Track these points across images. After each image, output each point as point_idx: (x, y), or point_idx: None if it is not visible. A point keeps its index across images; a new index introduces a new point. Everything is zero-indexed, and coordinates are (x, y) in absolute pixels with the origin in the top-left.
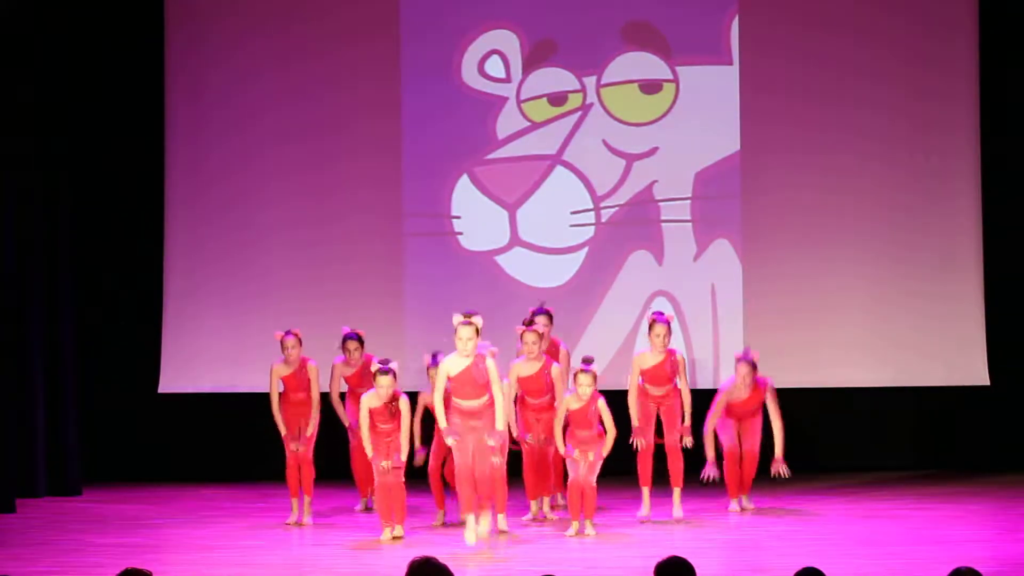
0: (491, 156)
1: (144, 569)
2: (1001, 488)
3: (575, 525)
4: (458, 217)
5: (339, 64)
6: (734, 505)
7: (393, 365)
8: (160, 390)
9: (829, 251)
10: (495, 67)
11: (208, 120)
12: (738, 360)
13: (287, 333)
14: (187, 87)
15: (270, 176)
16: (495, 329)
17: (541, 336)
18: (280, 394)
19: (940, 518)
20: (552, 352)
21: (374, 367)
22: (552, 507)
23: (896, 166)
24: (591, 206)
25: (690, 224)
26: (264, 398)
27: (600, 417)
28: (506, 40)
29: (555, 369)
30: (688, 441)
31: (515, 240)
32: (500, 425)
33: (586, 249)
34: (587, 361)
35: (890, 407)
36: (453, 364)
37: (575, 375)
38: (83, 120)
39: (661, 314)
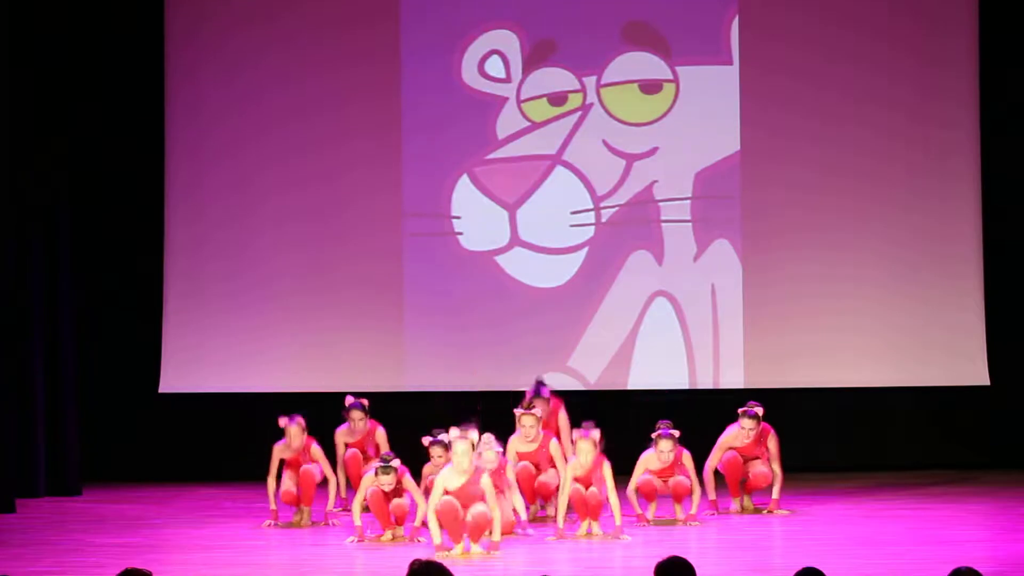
0: (491, 156)
1: (144, 569)
2: (1001, 488)
3: (584, 524)
4: (458, 217)
5: (339, 64)
6: (735, 505)
7: (395, 463)
8: (160, 390)
9: (829, 251)
10: (495, 67)
11: (208, 121)
12: (741, 414)
13: (291, 419)
14: (187, 88)
15: (270, 177)
16: (495, 329)
17: (539, 420)
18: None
19: (940, 518)
20: (553, 415)
21: (375, 465)
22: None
23: (896, 166)
24: (591, 206)
25: (690, 224)
26: (264, 398)
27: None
28: (506, 40)
29: (553, 446)
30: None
31: (515, 240)
32: (496, 537)
33: (586, 249)
34: (587, 427)
35: (890, 407)
36: (451, 479)
37: (575, 442)
38: (83, 120)
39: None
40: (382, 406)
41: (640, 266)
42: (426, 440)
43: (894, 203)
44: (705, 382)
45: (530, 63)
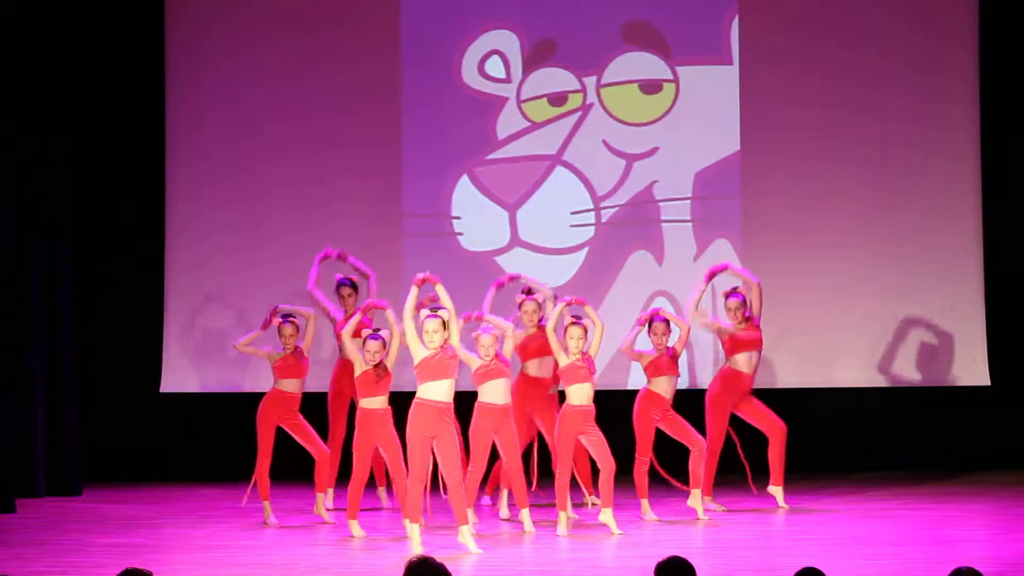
0: (491, 156)
1: (144, 569)
2: (1001, 488)
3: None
4: (458, 217)
5: (339, 64)
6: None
7: (384, 333)
8: (160, 390)
9: (829, 251)
10: (495, 67)
11: (208, 118)
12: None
13: (284, 320)
14: (187, 87)
15: (270, 177)
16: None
17: (539, 306)
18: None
19: (940, 518)
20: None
21: (365, 332)
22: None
23: (896, 166)
24: (591, 206)
25: (690, 224)
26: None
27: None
28: (506, 40)
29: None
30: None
31: (515, 240)
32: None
33: (586, 249)
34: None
35: (890, 407)
36: (421, 351)
37: (567, 327)
38: (83, 119)
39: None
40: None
41: (640, 266)
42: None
43: (894, 202)
44: (705, 382)
45: (530, 63)
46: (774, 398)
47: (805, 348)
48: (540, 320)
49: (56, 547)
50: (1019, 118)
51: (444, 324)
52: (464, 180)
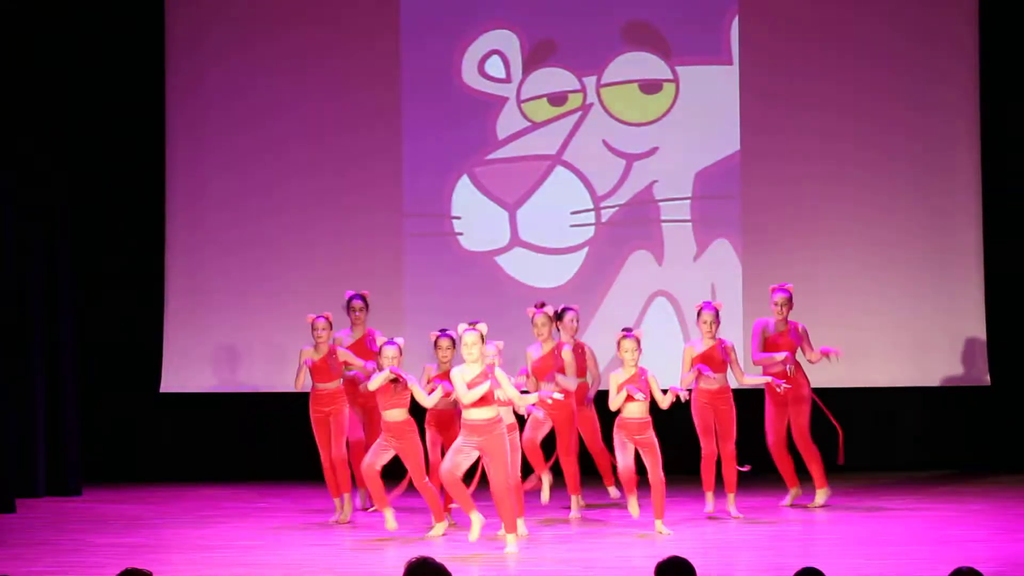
0: (491, 156)
1: (144, 569)
2: (1001, 488)
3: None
4: (458, 217)
5: (339, 64)
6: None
7: (399, 340)
8: (160, 390)
9: (829, 251)
10: (495, 67)
11: (208, 119)
12: (773, 291)
13: (318, 316)
14: (187, 87)
15: (271, 177)
16: (495, 329)
17: (550, 319)
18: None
19: (940, 518)
20: (579, 354)
21: (380, 341)
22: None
23: (896, 165)
24: (591, 206)
25: (690, 224)
26: (264, 398)
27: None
28: (506, 40)
29: (566, 352)
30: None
31: (515, 240)
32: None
33: (586, 249)
34: (628, 329)
35: (890, 407)
36: (467, 372)
37: (619, 341)
38: (83, 120)
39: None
40: None
41: (640, 266)
42: (433, 334)
43: (894, 203)
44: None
45: (530, 63)
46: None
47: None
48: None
49: (56, 547)
50: (1020, 118)
51: (481, 337)
52: (464, 180)
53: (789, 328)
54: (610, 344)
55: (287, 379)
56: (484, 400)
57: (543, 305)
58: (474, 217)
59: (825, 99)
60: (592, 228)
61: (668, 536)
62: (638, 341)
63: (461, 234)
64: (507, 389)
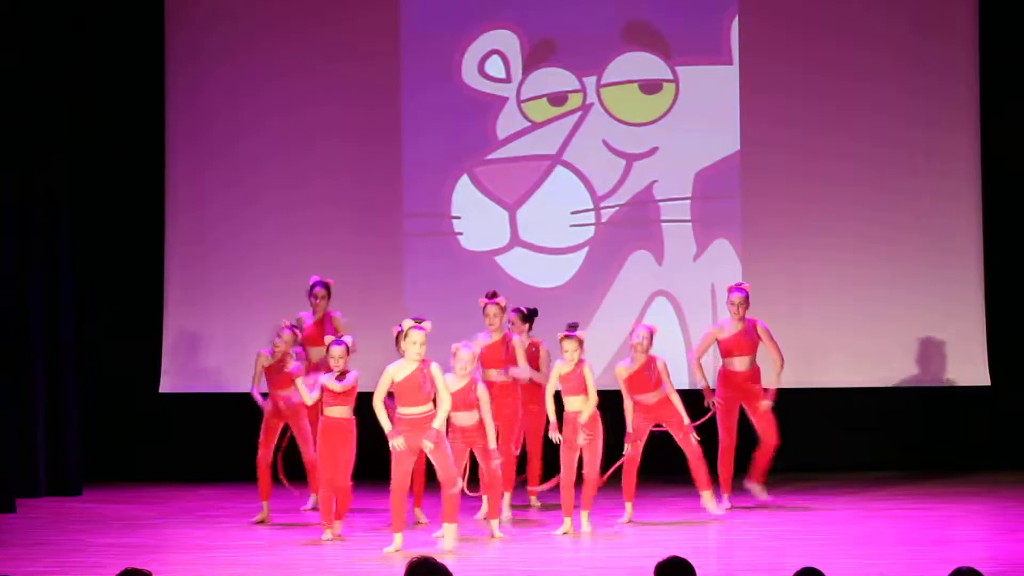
0: (491, 156)
1: (144, 569)
2: (1001, 488)
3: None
4: (458, 217)
5: (339, 63)
6: (725, 501)
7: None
8: (160, 390)
9: (829, 251)
10: (495, 67)
11: (208, 121)
12: (730, 291)
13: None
14: (187, 88)
15: (271, 177)
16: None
17: (502, 309)
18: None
19: (940, 518)
20: (532, 353)
21: (328, 339)
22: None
23: (896, 166)
24: (591, 206)
25: (690, 224)
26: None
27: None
28: (506, 40)
29: (515, 341)
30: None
31: (515, 240)
32: (437, 424)
33: (586, 249)
34: (572, 327)
35: (890, 407)
36: (399, 369)
37: (560, 340)
38: (83, 120)
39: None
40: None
41: (640, 266)
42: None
43: (894, 203)
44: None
45: (530, 63)
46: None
47: (804, 348)
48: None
49: (56, 547)
50: (1020, 117)
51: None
52: (464, 180)
53: (746, 327)
54: (610, 344)
55: None
56: (418, 396)
57: (495, 295)
58: (474, 217)
59: (825, 98)
60: (592, 228)
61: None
62: (579, 342)
63: (461, 234)
64: (441, 391)
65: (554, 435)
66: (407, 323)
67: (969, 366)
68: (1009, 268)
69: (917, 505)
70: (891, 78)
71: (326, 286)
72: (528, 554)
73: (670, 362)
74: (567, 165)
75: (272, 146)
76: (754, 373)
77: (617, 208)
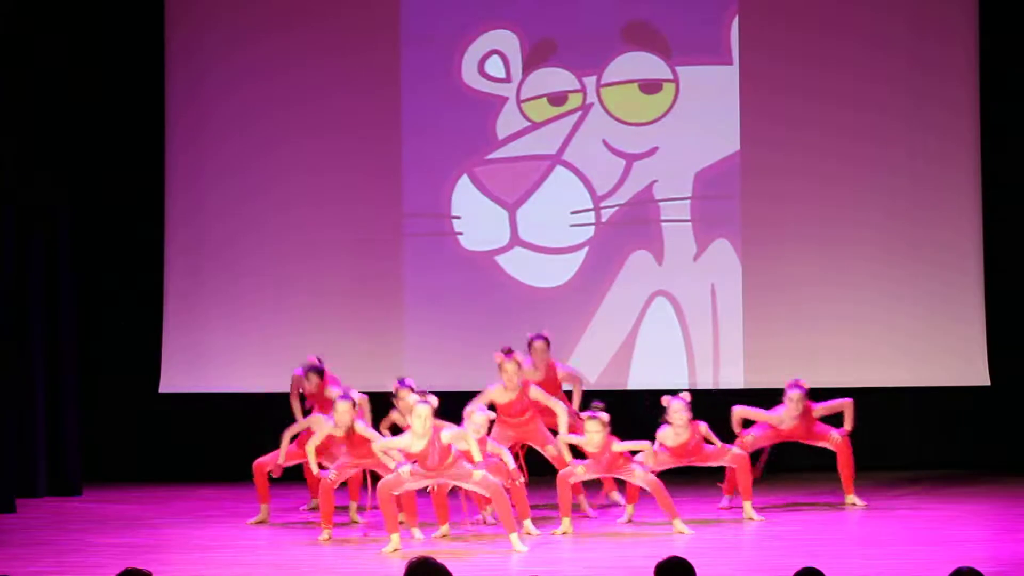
0: (491, 156)
1: (144, 569)
2: (1001, 488)
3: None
4: (458, 217)
5: (339, 63)
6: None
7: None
8: (160, 390)
9: (829, 251)
10: (495, 67)
11: (208, 120)
12: (788, 387)
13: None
14: (187, 87)
15: (270, 176)
16: (495, 329)
17: (519, 366)
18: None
19: (940, 518)
20: (550, 375)
21: (335, 393)
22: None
23: (896, 166)
24: (591, 206)
25: (690, 224)
26: (265, 398)
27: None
28: (506, 40)
29: (533, 391)
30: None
31: (515, 240)
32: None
33: (586, 249)
34: (597, 408)
35: (890, 407)
36: (411, 443)
37: (586, 419)
38: (83, 120)
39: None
40: (382, 406)
41: (640, 266)
42: (396, 384)
43: (894, 202)
44: (705, 382)
45: (530, 63)
46: (773, 398)
47: (804, 348)
48: None
49: (56, 547)
50: (1020, 117)
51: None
52: (464, 180)
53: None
54: (610, 344)
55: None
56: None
57: (511, 351)
58: (474, 217)
59: (825, 98)
60: (592, 228)
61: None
62: (603, 423)
63: (461, 234)
64: (474, 454)
65: (579, 469)
66: (412, 397)
67: (969, 366)
68: (1009, 268)
69: (917, 505)
70: (891, 78)
71: (316, 370)
72: (528, 554)
73: (670, 361)
74: (567, 165)
75: (272, 146)
76: None
77: (617, 208)
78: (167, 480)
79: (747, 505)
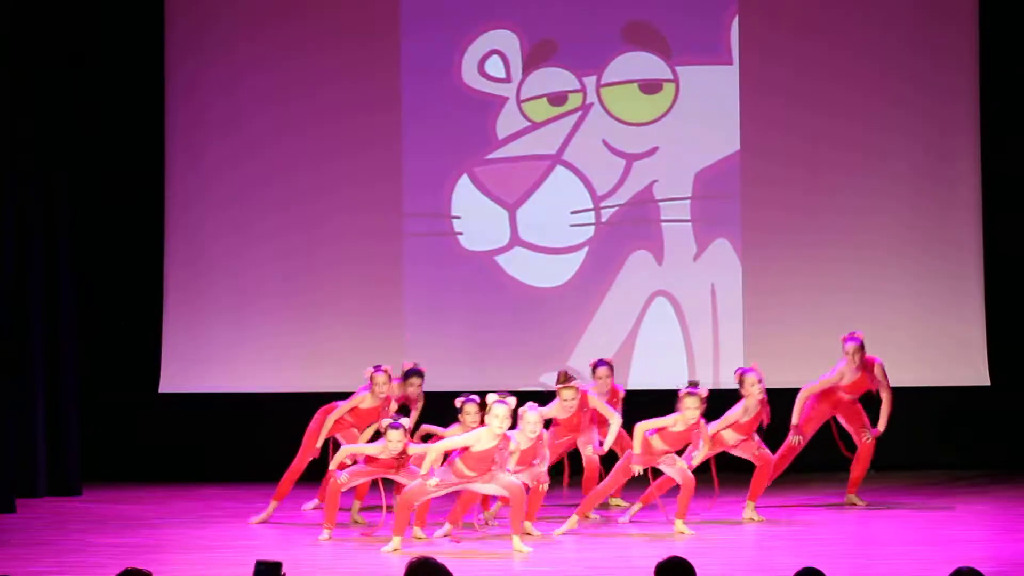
0: (491, 156)
1: (144, 569)
2: (1001, 488)
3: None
4: (458, 217)
5: (339, 63)
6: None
7: (404, 421)
8: (160, 390)
9: (829, 251)
10: (495, 67)
11: (208, 120)
12: (845, 341)
13: (377, 368)
14: (187, 86)
15: (270, 175)
16: (496, 329)
17: (577, 392)
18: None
19: (940, 518)
20: (612, 401)
21: (385, 423)
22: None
23: (896, 165)
24: (591, 206)
25: (690, 224)
26: (264, 398)
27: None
28: (506, 40)
29: (591, 399)
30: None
31: (515, 240)
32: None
33: (586, 249)
34: (693, 384)
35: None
36: (478, 439)
37: (681, 396)
38: (83, 120)
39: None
40: None
41: (640, 266)
42: (459, 400)
43: (894, 203)
44: (705, 382)
45: (530, 63)
46: (774, 398)
47: (805, 348)
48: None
49: (56, 547)
50: (1020, 117)
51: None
52: (464, 180)
53: (866, 370)
54: (610, 344)
55: (288, 379)
56: (485, 467)
57: (568, 378)
58: (474, 217)
59: (825, 98)
60: (592, 228)
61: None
62: (701, 398)
63: (461, 234)
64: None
65: (636, 468)
66: (491, 397)
67: (969, 366)
68: (1009, 268)
69: (917, 505)
70: (892, 78)
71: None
72: (529, 554)
73: (670, 361)
74: (567, 165)
75: (272, 146)
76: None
77: (617, 208)
78: (167, 480)
79: (750, 506)
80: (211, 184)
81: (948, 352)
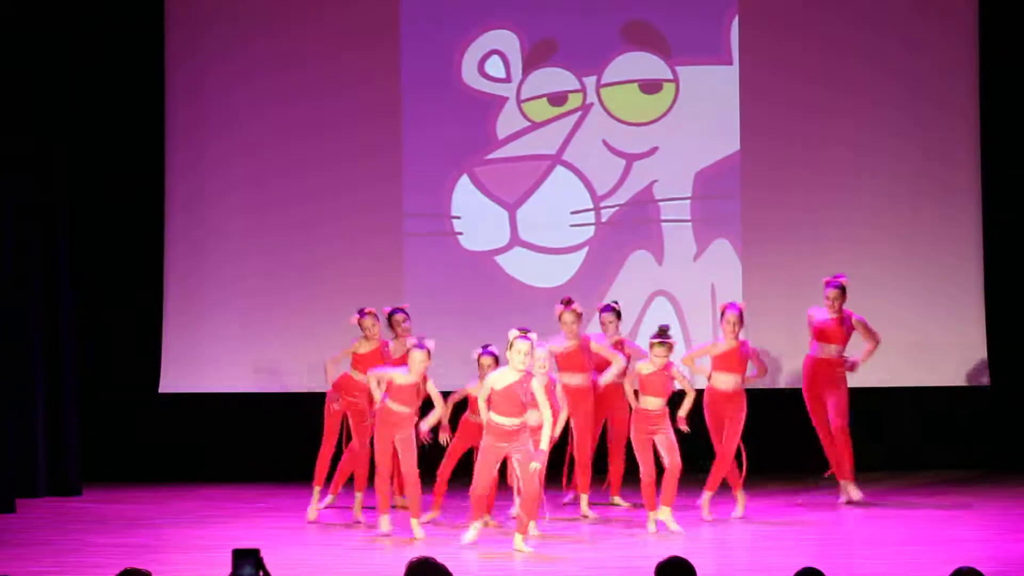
0: (491, 156)
1: (144, 569)
2: (1001, 488)
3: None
4: (458, 217)
5: (340, 63)
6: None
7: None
8: (160, 390)
9: (829, 251)
10: (495, 67)
11: (208, 119)
12: (827, 284)
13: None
14: (187, 87)
15: (270, 176)
16: (496, 329)
17: (578, 316)
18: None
19: (940, 518)
20: (616, 348)
21: (410, 343)
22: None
23: (897, 165)
24: (591, 206)
25: (690, 224)
26: (264, 398)
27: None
28: (506, 40)
29: (594, 344)
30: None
31: (515, 240)
32: (544, 445)
33: (586, 249)
34: (663, 331)
35: (890, 407)
36: (501, 378)
37: (651, 344)
38: (83, 120)
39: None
40: None
41: (640, 266)
42: (476, 352)
43: (894, 203)
44: (705, 381)
45: (530, 63)
46: (773, 399)
47: (805, 348)
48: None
49: (56, 547)
50: (1019, 118)
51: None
52: (464, 180)
53: (843, 317)
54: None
55: (288, 379)
56: (514, 406)
57: (571, 301)
58: (474, 217)
59: (825, 99)
60: (592, 228)
61: (677, 532)
62: (670, 347)
63: (461, 234)
64: (543, 410)
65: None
66: (512, 333)
67: (969, 366)
68: (1009, 269)
69: (917, 505)
70: (892, 77)
71: (405, 312)
72: (529, 553)
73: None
74: (567, 165)
75: (272, 146)
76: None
77: (617, 208)
78: (167, 480)
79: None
80: (211, 184)
81: (948, 352)
